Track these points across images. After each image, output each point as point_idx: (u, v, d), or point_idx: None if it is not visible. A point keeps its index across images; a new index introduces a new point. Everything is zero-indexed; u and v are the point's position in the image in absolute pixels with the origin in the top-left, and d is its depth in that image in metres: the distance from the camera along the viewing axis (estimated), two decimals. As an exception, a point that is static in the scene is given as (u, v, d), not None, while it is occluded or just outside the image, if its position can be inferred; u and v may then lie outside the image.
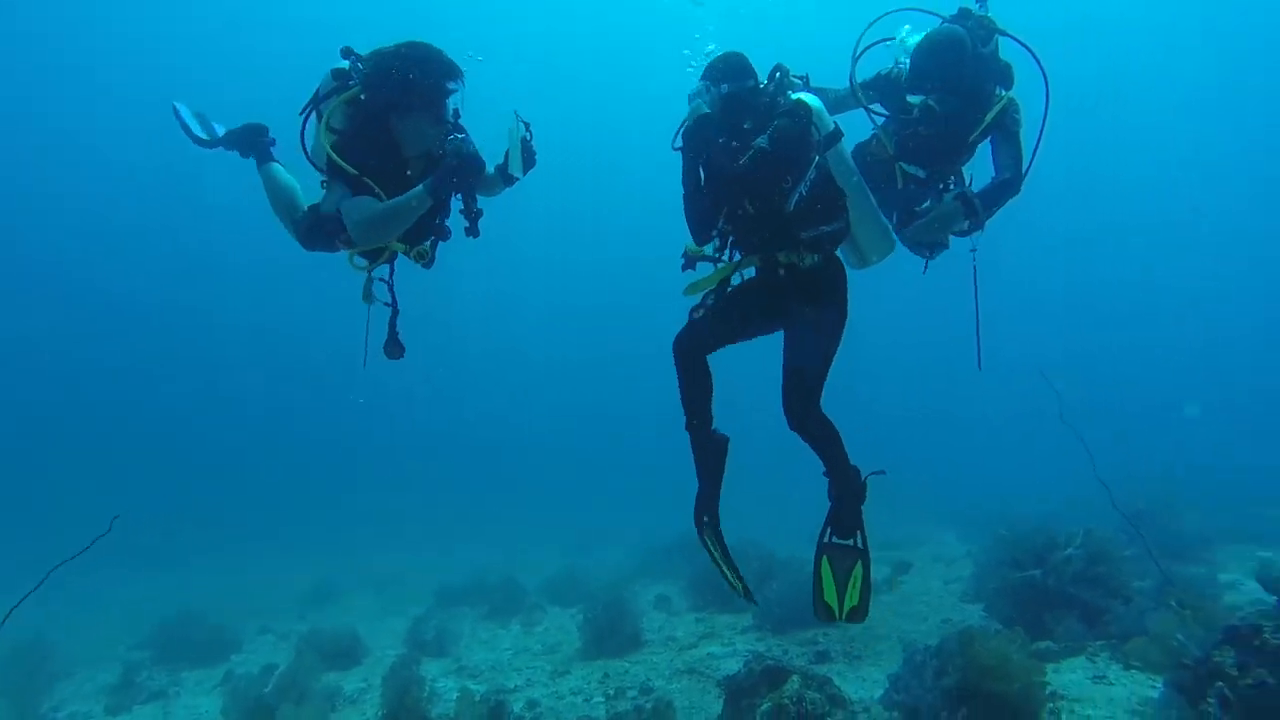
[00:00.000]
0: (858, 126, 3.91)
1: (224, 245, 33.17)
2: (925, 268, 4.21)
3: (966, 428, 26.59)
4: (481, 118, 3.62)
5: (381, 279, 3.64)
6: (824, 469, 3.42)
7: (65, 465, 27.47)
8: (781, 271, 3.34)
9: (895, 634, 6.36)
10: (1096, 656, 5.11)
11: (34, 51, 28.08)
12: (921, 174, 3.92)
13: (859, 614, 3.37)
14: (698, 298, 3.44)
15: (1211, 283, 33.97)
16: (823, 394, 3.38)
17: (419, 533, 17.11)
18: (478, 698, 5.15)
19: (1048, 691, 4.28)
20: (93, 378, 34.23)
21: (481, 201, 3.73)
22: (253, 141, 4.04)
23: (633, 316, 30.56)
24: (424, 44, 3.32)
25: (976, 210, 3.76)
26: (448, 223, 3.64)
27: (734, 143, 3.27)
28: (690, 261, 3.50)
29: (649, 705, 5.21)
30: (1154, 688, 4.33)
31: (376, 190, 3.25)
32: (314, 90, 3.46)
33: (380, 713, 4.75)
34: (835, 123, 3.36)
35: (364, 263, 3.58)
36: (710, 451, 3.42)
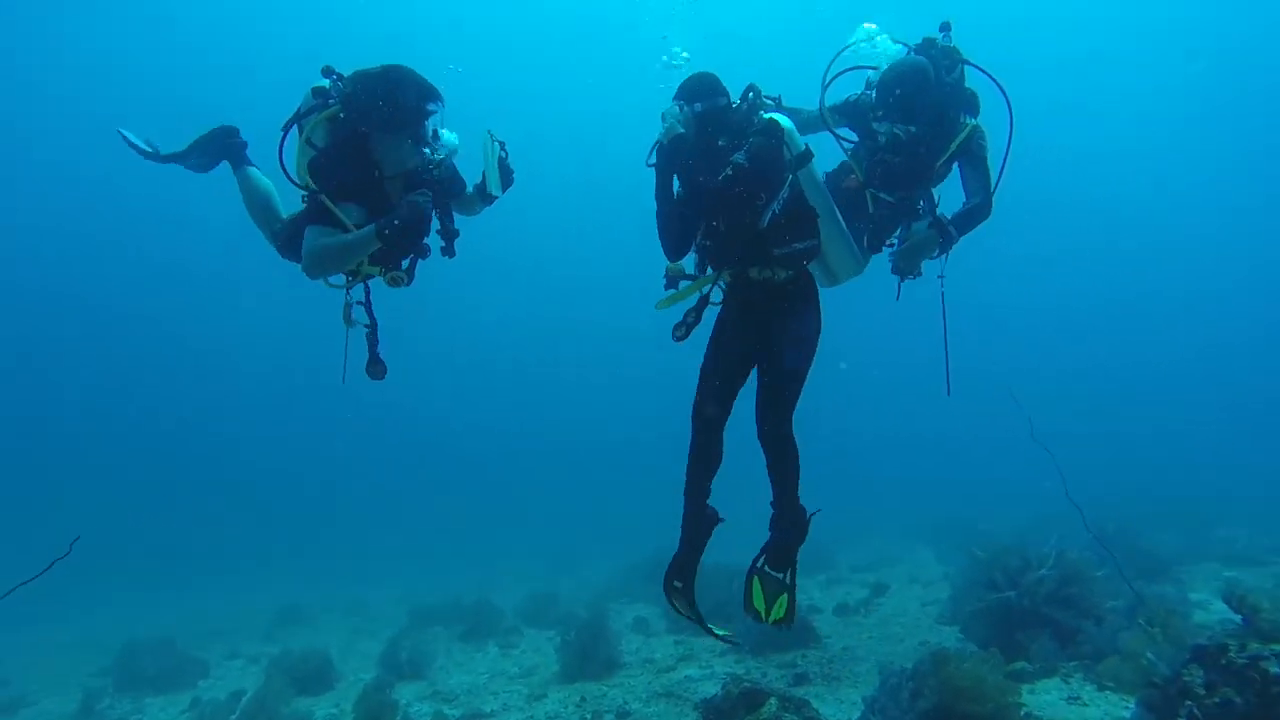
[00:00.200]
0: (829, 151, 4.00)
1: (193, 263, 32.82)
2: (898, 294, 4.30)
3: (941, 446, 26.85)
4: (463, 129, 3.63)
5: (359, 302, 3.63)
6: (773, 497, 3.46)
7: (27, 488, 26.70)
8: (754, 288, 3.40)
9: (873, 656, 6.37)
10: (1070, 677, 5.15)
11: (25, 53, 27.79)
12: (891, 199, 4.01)
13: (784, 623, 3.47)
14: (678, 315, 3.47)
15: (1180, 300, 34.95)
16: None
17: (393, 553, 16.85)
18: (451, 723, 5.08)
19: (1022, 713, 4.30)
20: (58, 399, 33.50)
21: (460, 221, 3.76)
22: (224, 145, 4.00)
23: (617, 335, 30.65)
24: (404, 67, 3.35)
25: (952, 236, 3.87)
26: (426, 241, 3.64)
27: (711, 159, 3.32)
28: (673, 281, 3.54)
29: (626, 729, 5.16)
30: (1126, 707, 4.37)
31: (339, 216, 3.24)
32: (295, 108, 3.46)
33: (351, 740, 4.65)
34: (806, 143, 3.44)
35: (341, 281, 3.56)
36: (700, 523, 3.52)
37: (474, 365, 36.89)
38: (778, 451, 3.39)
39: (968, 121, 3.90)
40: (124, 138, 3.98)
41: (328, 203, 3.24)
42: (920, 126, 3.74)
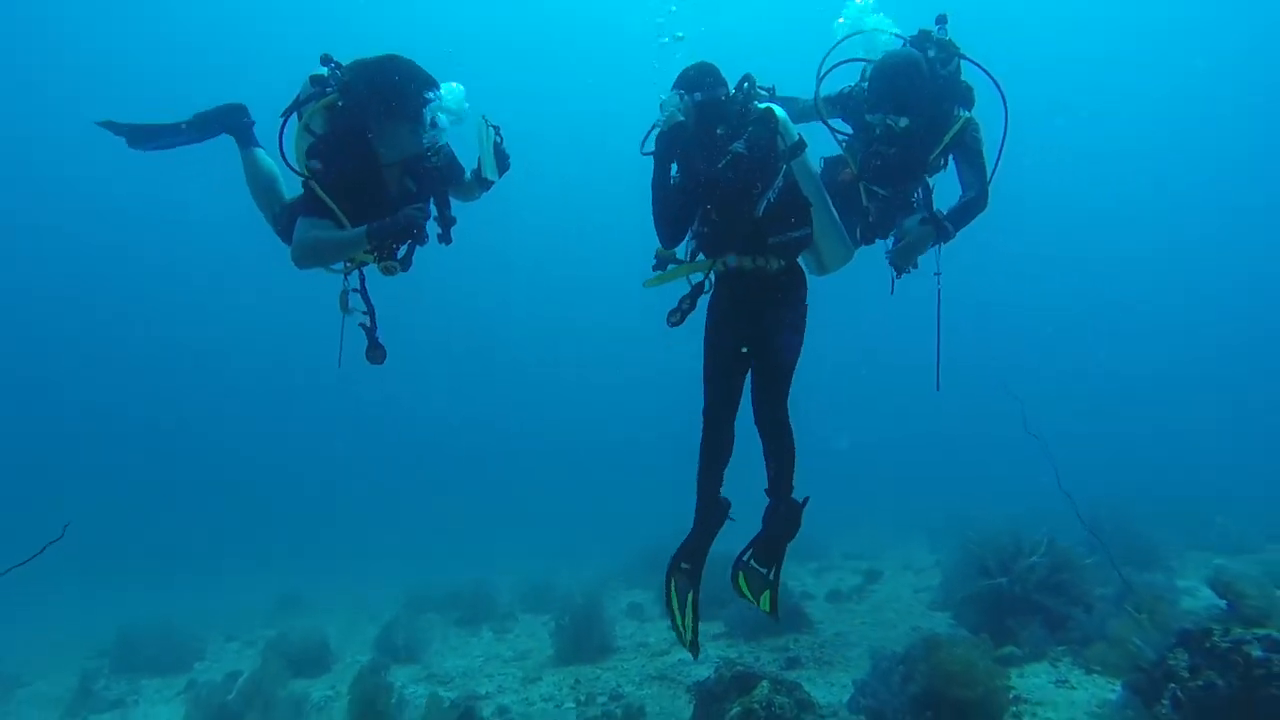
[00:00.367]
0: (824, 143, 4.01)
1: (189, 257, 32.68)
2: (893, 289, 4.32)
3: (937, 444, 26.95)
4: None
5: (355, 289, 3.65)
6: (768, 484, 3.51)
7: (22, 474, 26.66)
8: (747, 278, 3.43)
9: (865, 641, 6.43)
10: (1059, 661, 5.23)
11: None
12: (884, 192, 4.02)
13: (769, 616, 3.59)
14: (671, 302, 3.50)
15: (1180, 301, 35.03)
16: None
17: (389, 542, 16.88)
18: (447, 704, 5.12)
19: (1011, 696, 4.37)
20: (58, 393, 33.37)
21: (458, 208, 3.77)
22: (231, 122, 3.99)
23: (617, 331, 30.62)
24: (402, 57, 3.38)
25: (948, 232, 3.89)
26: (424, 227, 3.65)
27: (709, 148, 3.34)
28: (663, 263, 3.57)
29: (619, 711, 5.21)
30: (1113, 691, 4.43)
31: (333, 208, 3.29)
32: (294, 95, 3.48)
33: (347, 720, 4.69)
34: (800, 134, 3.46)
35: (340, 266, 3.58)
36: (713, 511, 3.58)
37: (473, 361, 36.82)
38: (775, 436, 3.44)
39: (961, 114, 3.91)
40: (107, 125, 3.85)
41: (319, 192, 3.26)
42: (913, 118, 3.74)
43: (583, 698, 5.81)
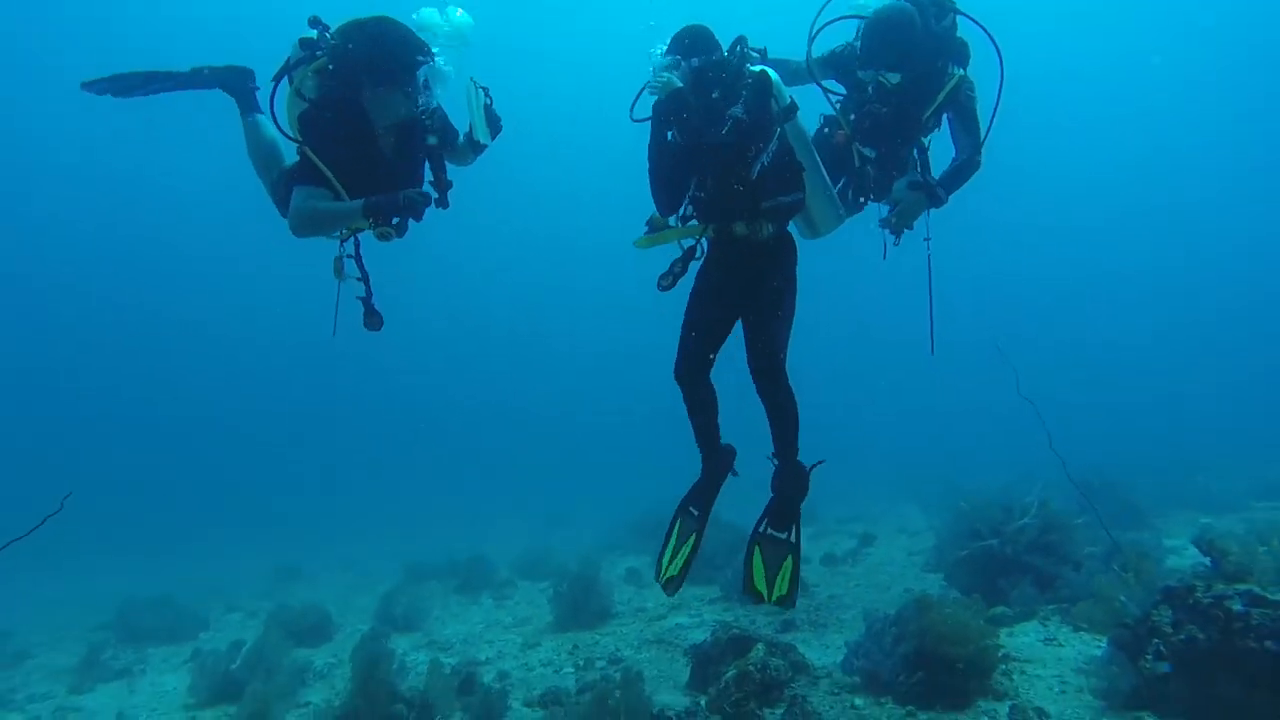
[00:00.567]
0: (816, 103, 3.96)
1: (186, 234, 32.35)
2: (885, 254, 4.30)
3: (929, 406, 27.11)
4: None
5: (349, 255, 3.63)
6: (773, 450, 3.51)
7: (25, 450, 26.71)
8: (739, 245, 3.42)
9: (859, 604, 6.54)
10: (1048, 620, 5.34)
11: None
12: (872, 155, 3.98)
13: (787, 601, 3.43)
14: (662, 264, 3.48)
15: (1168, 268, 35.00)
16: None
17: (388, 514, 17.02)
18: (448, 670, 5.21)
19: (1000, 654, 4.46)
20: (56, 362, 33.28)
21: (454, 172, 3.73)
22: (235, 84, 3.92)
23: (610, 302, 30.50)
24: (391, 18, 3.31)
25: (939, 196, 3.86)
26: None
27: (706, 113, 3.30)
28: (655, 226, 3.55)
29: (617, 674, 5.29)
30: (1099, 647, 4.53)
31: (328, 175, 3.25)
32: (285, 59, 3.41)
33: (349, 686, 4.76)
34: (792, 96, 3.42)
35: (336, 233, 3.56)
36: (719, 459, 3.62)
37: (467, 332, 36.81)
38: (773, 398, 3.42)
39: (955, 72, 3.84)
40: (92, 84, 3.72)
41: (314, 158, 3.23)
42: (905, 74, 3.69)
43: (581, 662, 5.92)
